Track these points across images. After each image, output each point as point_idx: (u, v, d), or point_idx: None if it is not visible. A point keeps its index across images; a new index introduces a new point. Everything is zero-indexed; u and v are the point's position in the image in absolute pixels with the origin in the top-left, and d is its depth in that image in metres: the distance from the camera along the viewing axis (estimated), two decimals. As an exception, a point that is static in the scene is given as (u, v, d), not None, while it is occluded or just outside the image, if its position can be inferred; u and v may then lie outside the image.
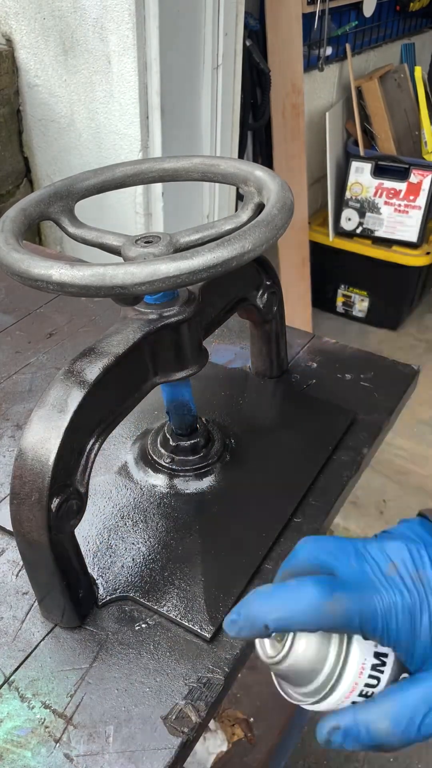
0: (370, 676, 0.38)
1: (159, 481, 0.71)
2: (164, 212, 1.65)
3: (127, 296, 0.49)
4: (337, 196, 2.70)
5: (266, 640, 0.40)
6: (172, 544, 0.65)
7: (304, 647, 0.38)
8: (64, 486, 0.52)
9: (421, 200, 2.55)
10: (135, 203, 1.64)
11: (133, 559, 0.64)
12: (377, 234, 2.67)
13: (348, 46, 2.59)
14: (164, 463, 0.72)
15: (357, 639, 0.38)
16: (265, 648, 0.40)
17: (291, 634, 0.38)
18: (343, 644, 0.38)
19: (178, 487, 0.71)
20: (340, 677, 0.38)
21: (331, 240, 2.75)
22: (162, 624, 0.59)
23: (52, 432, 0.51)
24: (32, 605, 0.61)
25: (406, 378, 0.86)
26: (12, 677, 0.56)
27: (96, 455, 0.55)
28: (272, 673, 0.41)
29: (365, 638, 0.38)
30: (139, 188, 1.60)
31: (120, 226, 1.63)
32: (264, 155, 2.34)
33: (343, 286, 2.90)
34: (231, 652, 0.56)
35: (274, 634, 0.38)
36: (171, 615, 0.59)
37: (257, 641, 0.41)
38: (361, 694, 0.39)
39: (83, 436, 0.54)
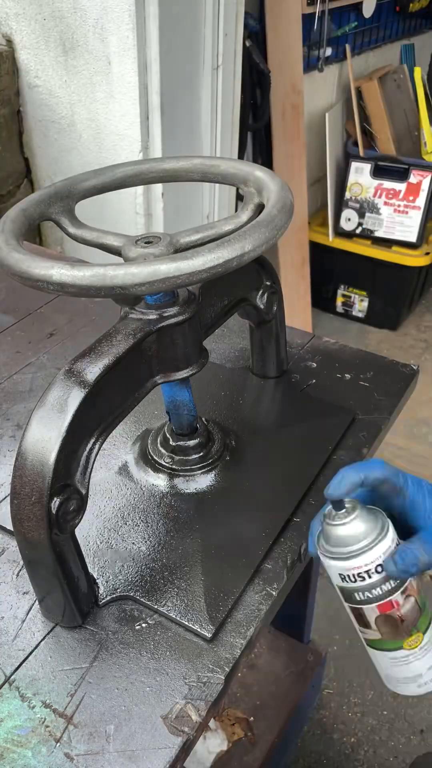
0: (386, 554, 0.54)
1: (159, 480, 0.72)
2: (164, 213, 1.65)
3: (127, 296, 0.49)
4: (337, 196, 2.70)
5: (333, 511, 0.55)
6: (172, 544, 0.65)
7: (363, 517, 0.54)
8: (65, 486, 0.52)
9: (421, 200, 2.56)
10: (135, 204, 1.64)
11: (133, 559, 0.64)
12: (377, 234, 2.67)
13: (348, 47, 2.59)
14: (164, 463, 0.72)
15: (392, 528, 0.55)
16: (332, 516, 0.55)
17: (356, 509, 0.54)
18: (386, 526, 0.54)
19: (179, 487, 0.71)
20: (376, 544, 0.53)
21: (331, 240, 2.75)
22: (162, 623, 0.59)
23: (53, 432, 0.51)
24: (32, 605, 0.61)
25: (405, 378, 0.86)
26: (12, 676, 0.56)
27: (96, 455, 0.55)
28: (321, 539, 0.56)
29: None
30: (140, 189, 1.60)
31: (120, 227, 1.63)
32: (264, 156, 2.34)
33: (342, 286, 2.90)
34: (231, 652, 0.57)
35: (344, 510, 0.54)
36: (171, 614, 0.59)
37: (321, 521, 0.56)
38: (376, 566, 0.53)
39: (83, 436, 0.54)
